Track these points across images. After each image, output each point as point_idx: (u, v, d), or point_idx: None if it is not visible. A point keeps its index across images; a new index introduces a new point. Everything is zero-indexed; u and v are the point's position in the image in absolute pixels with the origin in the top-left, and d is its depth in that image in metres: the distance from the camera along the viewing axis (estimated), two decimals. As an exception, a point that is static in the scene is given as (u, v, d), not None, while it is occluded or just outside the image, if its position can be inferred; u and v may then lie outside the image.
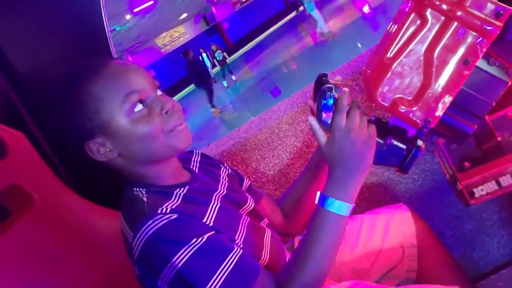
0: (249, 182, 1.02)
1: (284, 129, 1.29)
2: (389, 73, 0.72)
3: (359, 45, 7.85)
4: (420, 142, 0.71)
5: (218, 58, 12.12)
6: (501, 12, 0.68)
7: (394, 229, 1.01)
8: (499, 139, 0.81)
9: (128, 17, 13.89)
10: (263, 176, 1.32)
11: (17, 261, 1.03)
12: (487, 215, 1.32)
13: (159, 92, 0.78)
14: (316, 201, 0.75)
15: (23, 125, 1.09)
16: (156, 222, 0.67)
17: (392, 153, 0.72)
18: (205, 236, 0.69)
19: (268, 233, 0.88)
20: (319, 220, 0.74)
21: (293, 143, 1.30)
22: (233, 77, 12.22)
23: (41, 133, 1.12)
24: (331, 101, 0.72)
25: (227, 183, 0.92)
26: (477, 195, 0.79)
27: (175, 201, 0.75)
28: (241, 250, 0.71)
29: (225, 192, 0.87)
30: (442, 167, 0.90)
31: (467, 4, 0.69)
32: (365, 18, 9.91)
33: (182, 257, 0.66)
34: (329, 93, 0.72)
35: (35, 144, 1.06)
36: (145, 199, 0.74)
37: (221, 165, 0.99)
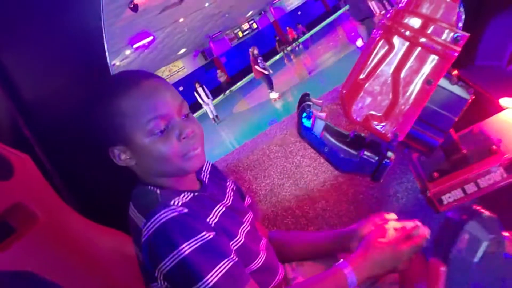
0: (251, 200, 1.08)
1: (274, 150, 1.37)
2: (362, 92, 0.80)
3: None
4: (390, 154, 0.79)
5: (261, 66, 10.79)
6: (459, 38, 0.77)
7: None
8: (465, 151, 0.88)
9: (127, 52, 14.23)
10: (255, 195, 1.38)
11: (20, 278, 1.07)
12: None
13: (185, 111, 0.84)
14: (338, 264, 0.84)
15: (29, 147, 1.16)
16: (169, 212, 0.74)
17: (365, 164, 0.80)
18: (210, 235, 0.75)
19: (264, 241, 0.95)
20: (331, 279, 0.83)
21: (283, 163, 1.38)
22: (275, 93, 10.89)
23: (46, 155, 1.19)
24: (310, 116, 0.80)
25: (232, 195, 0.99)
26: (445, 202, 0.86)
27: (185, 198, 0.82)
28: (236, 258, 0.78)
29: (230, 202, 0.94)
30: (415, 179, 0.97)
31: (429, 31, 0.77)
32: (359, 52, 10.20)
33: (188, 247, 0.72)
34: (308, 109, 0.80)
35: (39, 166, 1.13)
36: (158, 191, 0.82)
37: (228, 179, 1.06)
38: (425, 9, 0.77)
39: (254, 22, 22.72)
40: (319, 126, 0.81)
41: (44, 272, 1.11)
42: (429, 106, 0.80)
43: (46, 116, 1.20)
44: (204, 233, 0.75)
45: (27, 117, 1.18)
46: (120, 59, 14.34)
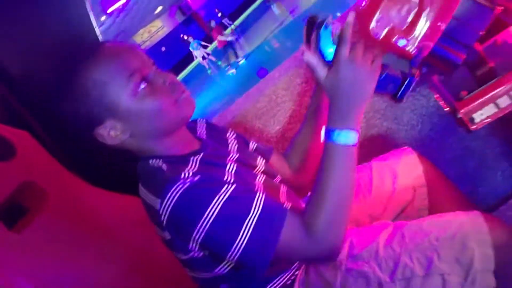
0: (255, 143, 1.04)
1: (281, 95, 1.31)
2: (382, 5, 0.73)
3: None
4: (414, 70, 0.73)
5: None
6: None
7: (402, 172, 1.04)
8: (492, 64, 0.83)
9: (102, 18, 13.69)
10: (267, 143, 1.34)
11: (40, 256, 1.05)
12: (489, 150, 1.34)
13: (155, 65, 0.80)
14: (322, 138, 0.77)
15: (25, 124, 1.10)
16: (181, 186, 0.70)
17: (389, 81, 0.74)
18: (231, 186, 0.71)
19: (283, 189, 0.90)
20: (329, 155, 0.76)
21: (291, 107, 1.32)
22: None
23: (43, 129, 1.13)
24: (329, 34, 0.73)
25: (236, 145, 0.94)
26: (477, 120, 0.81)
27: (193, 166, 0.77)
28: (264, 194, 0.73)
29: (237, 155, 0.89)
30: (440, 103, 0.92)
31: None
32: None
33: (214, 208, 0.68)
34: (326, 24, 0.73)
35: (39, 141, 1.07)
36: (164, 167, 0.76)
37: (227, 130, 1.01)
38: None
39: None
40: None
41: (62, 248, 1.09)
42: (453, 19, 0.74)
43: (36, 89, 1.13)
44: (224, 187, 0.71)
45: (17, 92, 1.11)
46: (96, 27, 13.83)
